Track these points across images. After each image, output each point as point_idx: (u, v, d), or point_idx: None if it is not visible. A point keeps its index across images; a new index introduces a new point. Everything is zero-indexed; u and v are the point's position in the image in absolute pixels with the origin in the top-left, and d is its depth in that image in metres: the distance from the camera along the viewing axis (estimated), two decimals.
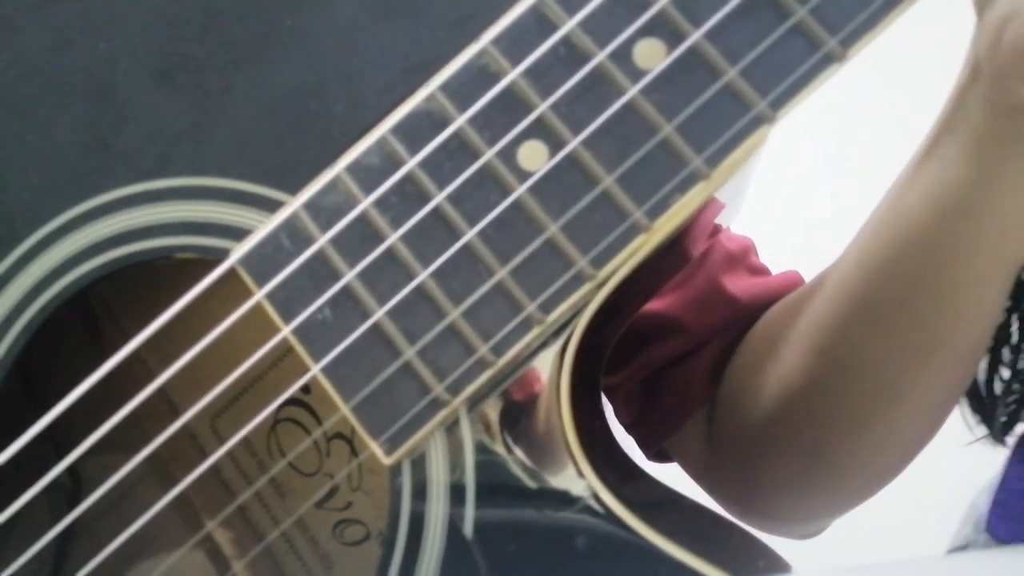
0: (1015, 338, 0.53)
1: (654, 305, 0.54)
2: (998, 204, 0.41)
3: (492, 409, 0.34)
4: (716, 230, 0.56)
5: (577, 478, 0.34)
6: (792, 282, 0.56)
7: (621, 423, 0.59)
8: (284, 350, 0.41)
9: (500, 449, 0.34)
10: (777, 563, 0.36)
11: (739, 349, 0.54)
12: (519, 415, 0.34)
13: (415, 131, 0.33)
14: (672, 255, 0.37)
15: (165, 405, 0.43)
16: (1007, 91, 0.38)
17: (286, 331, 0.34)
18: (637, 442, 0.59)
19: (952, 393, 0.49)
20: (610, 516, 0.34)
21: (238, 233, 0.35)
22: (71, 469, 0.42)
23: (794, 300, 0.53)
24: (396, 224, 0.33)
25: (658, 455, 0.59)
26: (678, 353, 0.55)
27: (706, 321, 0.55)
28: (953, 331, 0.45)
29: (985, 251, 0.42)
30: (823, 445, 0.50)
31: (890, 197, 0.45)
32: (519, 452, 0.34)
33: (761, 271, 0.58)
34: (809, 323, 0.49)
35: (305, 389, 0.45)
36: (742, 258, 0.57)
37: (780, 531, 0.58)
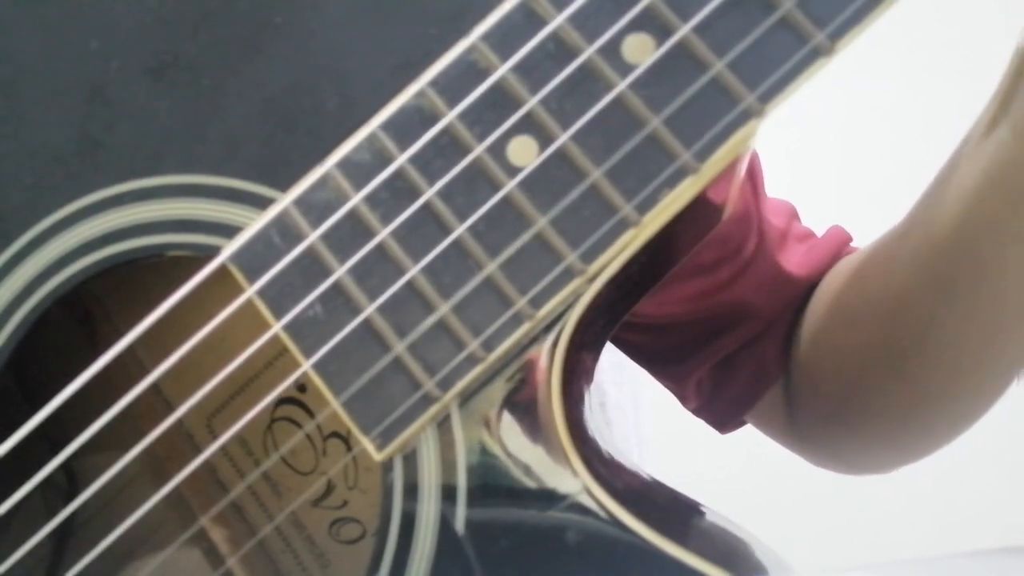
0: None
1: (722, 296, 0.56)
2: None
3: (491, 405, 0.34)
4: (753, 183, 0.56)
5: (570, 474, 0.34)
6: (840, 241, 0.58)
7: (688, 407, 0.61)
8: (279, 350, 0.41)
9: (493, 444, 0.34)
10: (768, 556, 0.36)
11: (806, 321, 0.56)
12: (516, 410, 0.34)
13: (405, 127, 0.33)
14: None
15: (161, 404, 0.43)
16: None
17: (277, 327, 0.34)
18: (710, 422, 0.61)
19: None
20: (603, 512, 0.34)
21: (229, 230, 0.35)
22: (67, 469, 0.42)
23: (855, 270, 0.54)
24: (386, 220, 0.33)
25: (734, 425, 0.61)
26: (749, 336, 0.57)
27: (773, 303, 0.56)
28: None
29: None
30: (911, 409, 0.52)
31: (949, 177, 0.46)
32: (513, 448, 0.34)
33: (807, 236, 0.59)
34: (882, 299, 0.50)
35: (301, 388, 0.45)
36: (788, 229, 0.58)
37: (861, 474, 0.60)
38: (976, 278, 0.45)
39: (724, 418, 0.60)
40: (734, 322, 0.56)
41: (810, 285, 0.56)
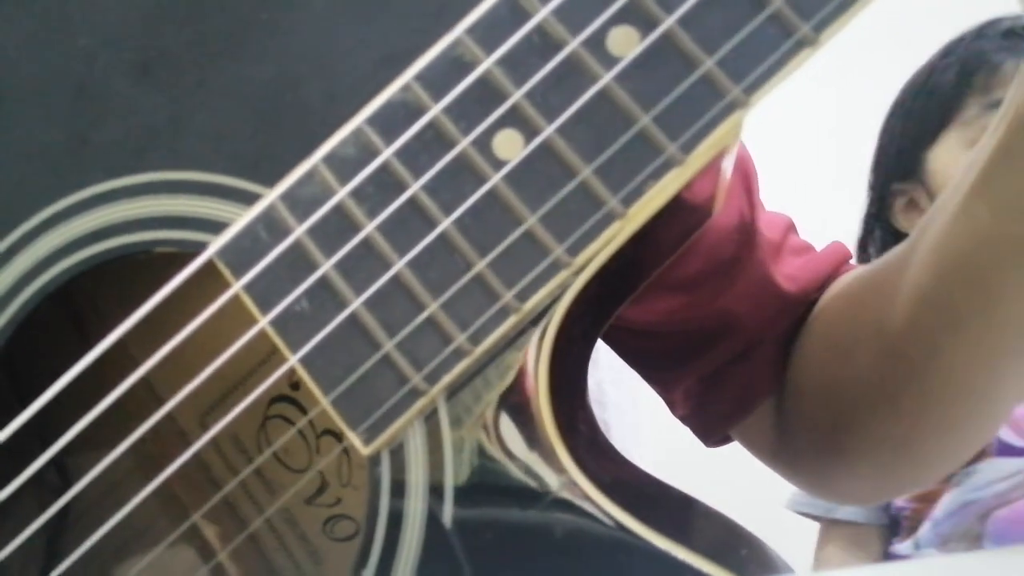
0: None
1: (711, 307, 0.55)
2: None
3: (478, 399, 0.34)
4: (747, 185, 0.56)
5: (558, 468, 0.34)
6: (839, 257, 0.57)
7: (676, 415, 0.60)
8: (272, 348, 0.41)
9: (481, 438, 0.34)
10: (761, 552, 0.36)
11: (801, 344, 0.55)
12: (504, 405, 0.34)
13: (390, 121, 0.33)
14: (684, 212, 0.37)
15: (154, 403, 0.43)
16: None
17: (263, 322, 0.34)
18: (695, 431, 0.60)
19: None
20: (591, 506, 0.34)
21: (216, 226, 0.35)
22: (60, 467, 0.42)
23: (851, 295, 0.53)
24: (372, 214, 0.33)
25: (719, 439, 0.60)
26: (739, 349, 0.56)
27: (761, 316, 0.56)
28: None
29: None
30: (906, 441, 0.51)
31: (957, 204, 0.45)
32: (501, 442, 0.34)
33: (804, 249, 0.58)
34: (884, 326, 0.49)
35: (294, 386, 0.45)
36: (783, 242, 0.57)
37: (849, 503, 0.60)
38: (984, 306, 0.45)
39: (709, 430, 0.59)
40: (722, 334, 0.56)
41: (804, 300, 0.56)
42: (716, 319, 0.55)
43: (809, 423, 0.55)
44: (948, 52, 0.97)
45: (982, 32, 0.96)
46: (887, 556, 1.00)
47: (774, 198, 0.59)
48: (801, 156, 1.50)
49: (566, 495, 0.34)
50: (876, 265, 0.52)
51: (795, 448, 0.57)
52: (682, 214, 0.37)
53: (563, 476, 0.34)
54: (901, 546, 0.97)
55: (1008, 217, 0.41)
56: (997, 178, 0.41)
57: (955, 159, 0.94)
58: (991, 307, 0.44)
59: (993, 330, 0.45)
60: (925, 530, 0.93)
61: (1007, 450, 0.90)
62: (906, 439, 0.51)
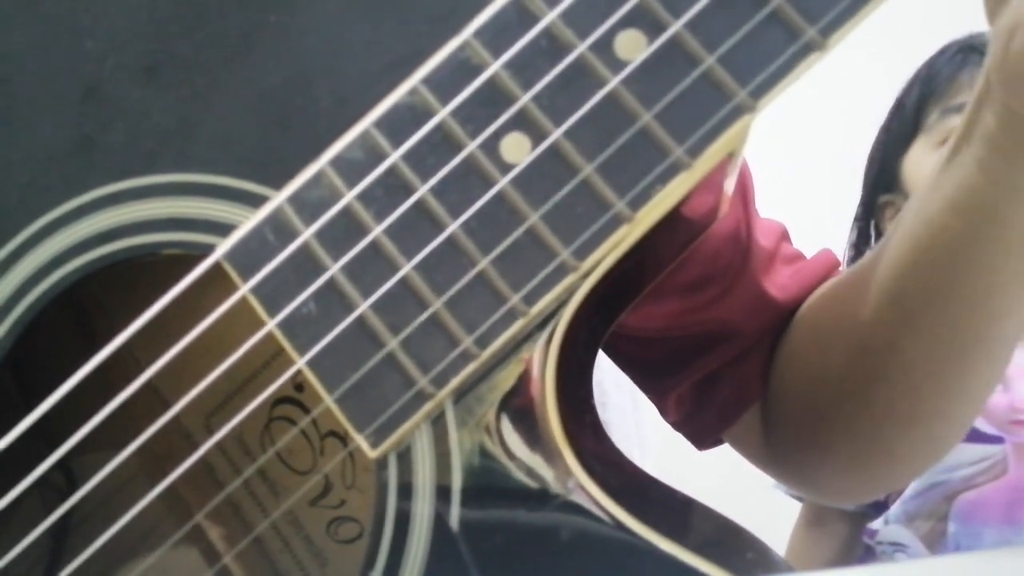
0: None
1: (706, 314, 0.56)
2: (1019, 208, 0.41)
3: (486, 403, 0.34)
4: (745, 194, 0.56)
5: (564, 471, 0.34)
6: (828, 265, 0.58)
7: (668, 421, 0.61)
8: (277, 349, 0.41)
9: (488, 442, 0.34)
10: (766, 555, 0.36)
11: (785, 345, 0.56)
12: (511, 408, 0.34)
13: (398, 124, 0.34)
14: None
15: (159, 405, 0.43)
16: (1016, 97, 0.38)
17: (271, 325, 0.34)
18: (688, 436, 0.61)
19: (990, 384, 0.51)
20: (598, 509, 0.34)
21: (224, 229, 0.35)
22: (66, 469, 0.42)
23: (831, 294, 0.54)
24: (380, 217, 0.34)
25: (711, 443, 0.61)
26: (731, 355, 0.57)
27: (756, 324, 0.56)
28: (987, 330, 0.46)
29: (1013, 254, 0.43)
30: (876, 435, 0.52)
31: (917, 202, 0.46)
32: (508, 445, 0.34)
33: (796, 257, 0.59)
34: (851, 324, 0.50)
35: (298, 387, 0.45)
36: (777, 250, 0.58)
37: (833, 501, 0.60)
38: (933, 305, 0.46)
39: (701, 434, 0.60)
40: (717, 341, 0.56)
41: (793, 308, 0.56)
42: (710, 326, 0.56)
43: (793, 422, 0.56)
44: (917, 74, 1.09)
45: (942, 51, 1.08)
46: (856, 536, 1.07)
47: (769, 203, 0.59)
48: (795, 162, 1.51)
49: (573, 498, 0.34)
50: (856, 264, 0.53)
51: (782, 448, 0.58)
52: (689, 218, 0.37)
53: (570, 479, 0.34)
54: (877, 521, 1.03)
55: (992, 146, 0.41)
56: (985, 113, 0.41)
57: (923, 160, 1.05)
58: (944, 303, 0.45)
59: (946, 327, 0.46)
60: (895, 507, 0.99)
61: (976, 436, 0.95)
62: (876, 434, 0.52)
